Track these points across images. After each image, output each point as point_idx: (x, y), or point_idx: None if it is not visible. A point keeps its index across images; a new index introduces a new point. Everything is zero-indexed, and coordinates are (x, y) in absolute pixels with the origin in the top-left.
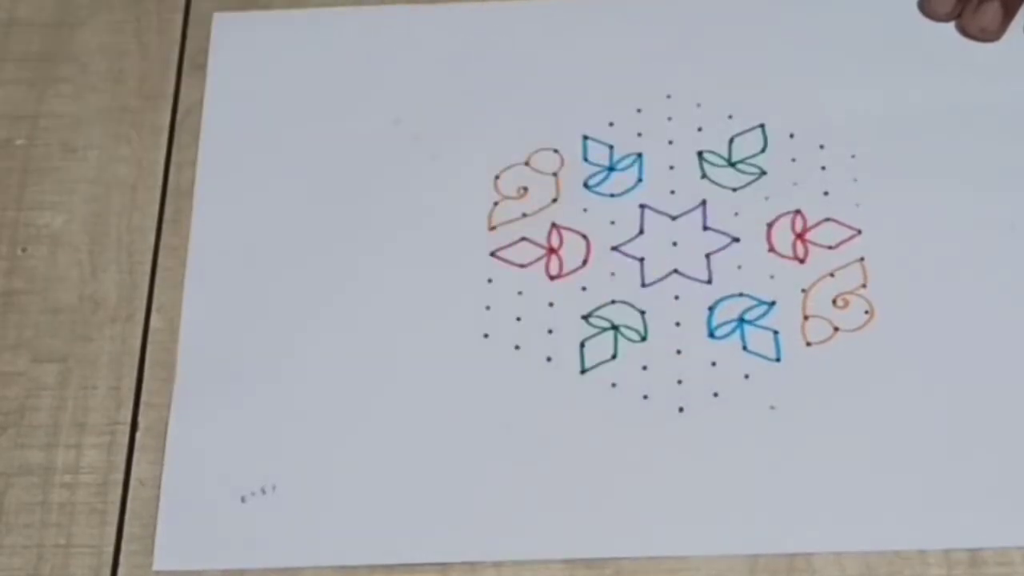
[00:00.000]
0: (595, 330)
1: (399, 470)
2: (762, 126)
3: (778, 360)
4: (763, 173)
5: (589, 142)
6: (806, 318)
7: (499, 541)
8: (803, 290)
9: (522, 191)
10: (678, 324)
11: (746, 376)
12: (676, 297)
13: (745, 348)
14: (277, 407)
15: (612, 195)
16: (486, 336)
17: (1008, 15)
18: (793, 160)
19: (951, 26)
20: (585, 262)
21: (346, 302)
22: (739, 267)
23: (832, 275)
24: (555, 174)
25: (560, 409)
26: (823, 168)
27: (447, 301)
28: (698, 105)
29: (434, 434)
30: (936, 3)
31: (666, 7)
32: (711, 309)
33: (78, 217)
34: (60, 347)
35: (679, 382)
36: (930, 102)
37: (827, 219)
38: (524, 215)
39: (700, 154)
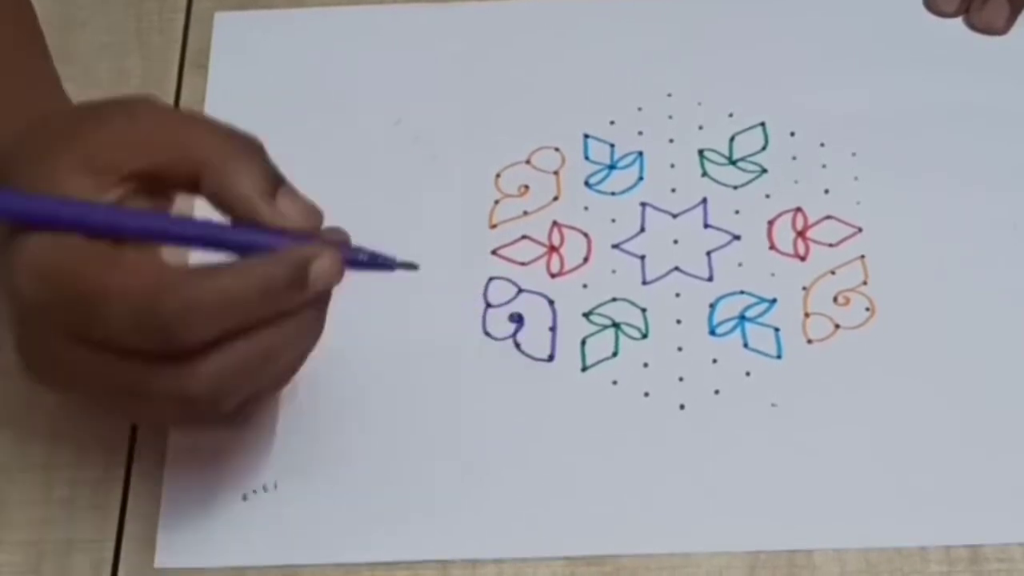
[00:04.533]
0: (596, 327)
1: (399, 468)
2: (763, 124)
3: (779, 357)
4: (764, 171)
5: (590, 140)
6: (807, 315)
7: (500, 539)
8: (804, 288)
9: (523, 189)
10: (679, 321)
11: (747, 373)
12: (677, 295)
13: (746, 345)
14: (277, 405)
15: (613, 193)
16: (487, 334)
17: (1014, 11)
18: (794, 158)
19: (952, 24)
20: (586, 260)
21: (346, 301)
22: (740, 264)
23: (833, 272)
24: (556, 172)
25: (561, 407)
26: (824, 166)
27: (448, 299)
28: (699, 103)
29: (435, 432)
30: (942, 0)
31: (666, 7)
32: (712, 306)
33: None
34: None
35: (680, 379)
36: (931, 100)
37: (828, 217)
38: (525, 213)
39: (701, 152)
